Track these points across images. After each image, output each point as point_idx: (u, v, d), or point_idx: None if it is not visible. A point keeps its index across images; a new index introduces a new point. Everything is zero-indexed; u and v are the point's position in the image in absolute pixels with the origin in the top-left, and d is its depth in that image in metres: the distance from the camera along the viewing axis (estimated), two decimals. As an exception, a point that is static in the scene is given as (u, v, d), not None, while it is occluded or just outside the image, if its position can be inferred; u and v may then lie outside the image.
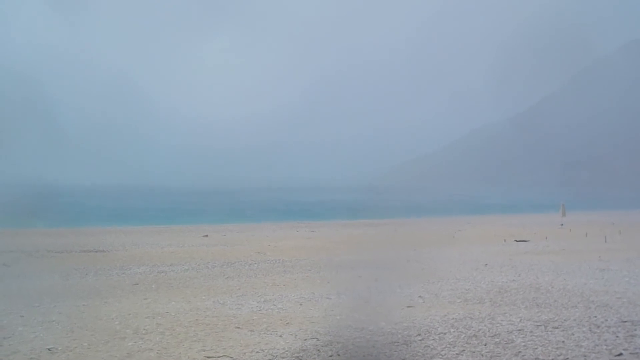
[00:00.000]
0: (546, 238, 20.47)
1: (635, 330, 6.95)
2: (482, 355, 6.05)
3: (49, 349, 6.32)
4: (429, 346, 6.38)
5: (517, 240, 19.72)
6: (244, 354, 6.16)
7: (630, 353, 6.10)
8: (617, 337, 6.67)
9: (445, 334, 6.84)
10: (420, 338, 6.66)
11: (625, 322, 7.33)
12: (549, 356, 6.01)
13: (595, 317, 7.61)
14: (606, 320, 7.43)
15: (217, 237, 22.61)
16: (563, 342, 6.47)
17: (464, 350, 6.24)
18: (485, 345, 6.37)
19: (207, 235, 22.98)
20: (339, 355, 6.13)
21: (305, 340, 6.63)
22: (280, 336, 6.82)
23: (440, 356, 6.07)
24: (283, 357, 6.06)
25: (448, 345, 6.38)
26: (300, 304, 8.66)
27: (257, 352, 6.20)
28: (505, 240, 19.62)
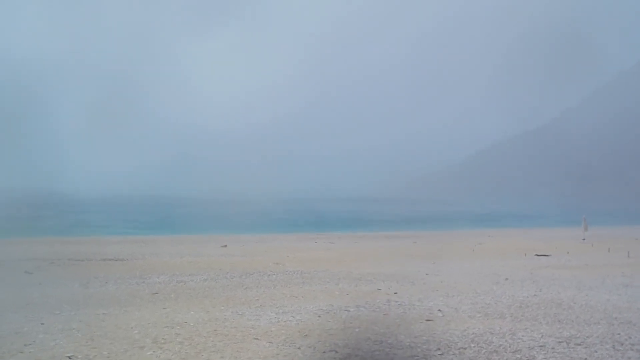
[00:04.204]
0: (568, 252, 20.22)
1: (660, 348, 6.81)
2: (503, 372, 5.97)
3: (69, 357, 6.36)
4: (448, 361, 6.31)
5: (538, 254, 19.50)
6: (262, 365, 6.14)
7: (655, 372, 5.99)
8: (641, 355, 6.55)
9: (465, 349, 6.76)
10: (439, 353, 6.60)
11: (650, 339, 7.19)
12: (572, 373, 5.92)
13: (619, 334, 7.48)
14: (630, 337, 7.30)
15: (236, 247, 22.67)
16: (586, 359, 6.36)
17: (484, 365, 6.17)
18: (506, 361, 6.29)
19: (225, 246, 23.05)
20: (357, 368, 6.09)
21: (324, 352, 6.60)
22: (299, 348, 6.79)
23: (460, 371, 6.00)
24: (301, 370, 6.04)
25: (468, 361, 6.31)
26: (319, 316, 8.63)
27: (275, 364, 6.18)
28: (526, 254, 19.41)
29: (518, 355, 6.48)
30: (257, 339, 7.23)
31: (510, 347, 6.83)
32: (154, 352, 6.59)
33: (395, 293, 10.82)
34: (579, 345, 6.93)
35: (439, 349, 6.73)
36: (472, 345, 6.92)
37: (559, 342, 7.07)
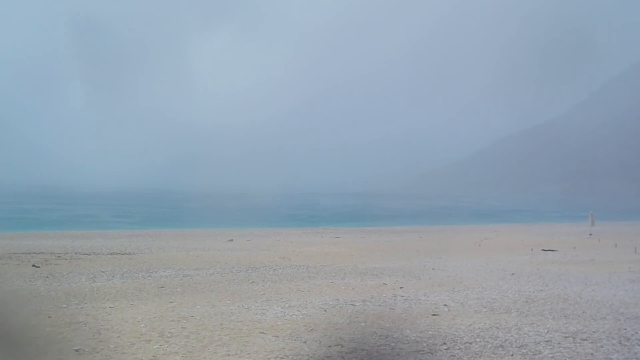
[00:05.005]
0: (574, 248, 20.15)
1: (667, 343, 6.79)
2: (509, 366, 5.96)
3: (76, 350, 6.39)
4: (454, 355, 6.31)
5: (545, 249, 19.44)
6: (269, 359, 6.16)
7: (662, 367, 5.97)
8: (648, 350, 6.52)
9: (471, 343, 6.76)
10: (445, 347, 6.60)
11: (657, 335, 7.16)
12: (578, 368, 5.90)
13: (625, 329, 7.46)
14: (636, 332, 7.28)
15: (242, 241, 22.69)
16: (592, 354, 6.35)
17: (490, 360, 6.16)
18: (512, 356, 6.28)
19: (232, 240, 23.08)
20: (363, 362, 6.10)
21: (330, 346, 6.61)
22: (305, 342, 6.80)
23: (466, 366, 6.00)
24: (307, 364, 6.04)
25: (474, 355, 6.30)
26: (325, 310, 8.64)
27: (281, 357, 6.20)
28: (532, 250, 19.36)
29: (524, 350, 6.47)
30: (263, 333, 7.24)
31: (516, 341, 6.82)
32: (160, 345, 6.62)
33: (401, 288, 10.83)
34: (585, 340, 6.92)
35: (445, 344, 6.73)
36: (478, 339, 6.91)
37: (565, 337, 7.06)
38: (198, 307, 8.88)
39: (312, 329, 7.42)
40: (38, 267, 13.51)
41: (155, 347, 6.56)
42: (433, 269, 13.70)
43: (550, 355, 6.31)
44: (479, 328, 7.47)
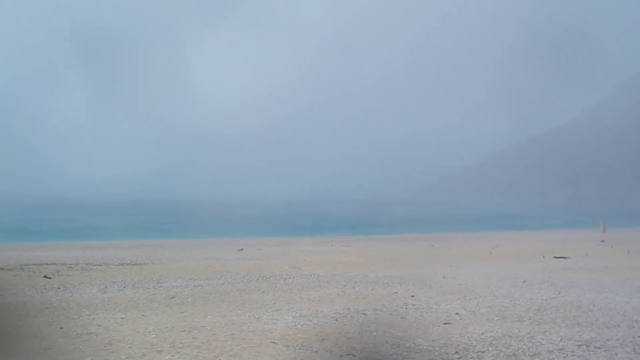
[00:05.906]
0: (586, 255, 20.00)
1: (682, 351, 6.72)
2: (522, 375, 5.92)
3: (88, 361, 6.41)
4: (467, 365, 6.28)
5: (557, 256, 19.31)
6: (280, 369, 6.15)
7: (678, 375, 5.91)
8: (663, 358, 6.46)
9: (483, 352, 6.72)
10: (457, 356, 6.56)
11: (672, 342, 7.09)
12: (592, 377, 5.85)
13: (639, 337, 7.39)
14: (651, 340, 7.21)
15: (252, 251, 22.71)
16: (606, 362, 6.30)
17: (503, 369, 6.13)
18: (525, 364, 6.24)
19: (242, 249, 23.10)
20: (375, 372, 6.07)
21: (342, 356, 6.59)
22: (316, 352, 6.79)
23: (479, 375, 5.96)
24: (319, 374, 6.03)
25: (487, 364, 6.27)
26: (336, 320, 8.62)
27: (292, 367, 6.19)
28: (544, 257, 19.24)
29: (537, 359, 6.42)
30: (274, 342, 7.23)
31: (529, 350, 6.77)
32: (171, 356, 6.62)
33: (412, 296, 10.79)
34: (599, 348, 6.86)
35: (457, 353, 6.70)
36: (491, 348, 6.87)
37: (579, 345, 7.00)
38: (209, 317, 8.88)
39: (323, 339, 7.41)
40: (50, 278, 13.56)
41: (166, 357, 6.57)
42: (444, 277, 13.64)
43: (564, 363, 6.26)
44: (491, 337, 7.43)
